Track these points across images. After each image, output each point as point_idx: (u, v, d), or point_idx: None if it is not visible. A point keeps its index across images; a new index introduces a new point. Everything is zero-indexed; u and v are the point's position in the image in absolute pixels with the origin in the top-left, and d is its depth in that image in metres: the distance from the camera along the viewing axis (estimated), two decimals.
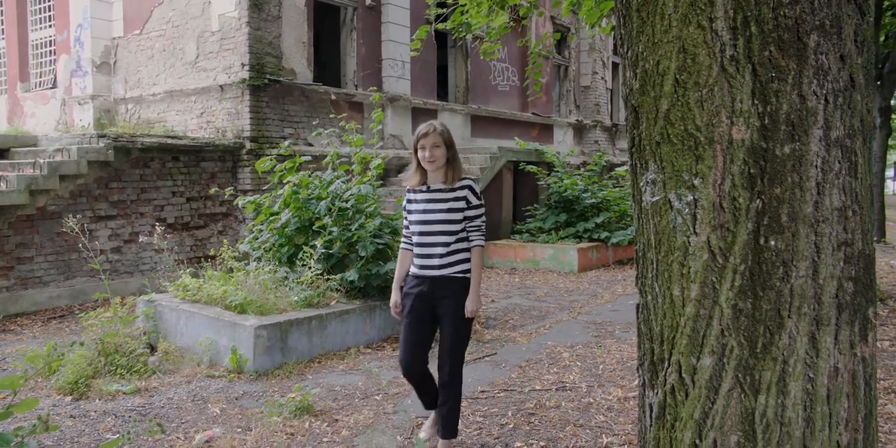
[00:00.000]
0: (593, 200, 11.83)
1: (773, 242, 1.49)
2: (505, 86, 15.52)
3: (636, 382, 5.08)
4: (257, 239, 7.03)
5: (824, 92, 1.49)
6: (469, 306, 3.61)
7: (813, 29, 1.48)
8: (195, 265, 8.62)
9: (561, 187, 11.98)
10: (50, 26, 12.70)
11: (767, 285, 1.50)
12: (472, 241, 3.66)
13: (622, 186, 13.36)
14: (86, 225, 8.16)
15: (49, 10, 12.70)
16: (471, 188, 3.63)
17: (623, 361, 5.68)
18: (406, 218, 3.81)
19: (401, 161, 11.97)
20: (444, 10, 8.54)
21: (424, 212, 3.64)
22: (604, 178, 13.24)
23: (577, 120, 17.86)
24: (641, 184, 1.63)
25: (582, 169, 13.53)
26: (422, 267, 3.66)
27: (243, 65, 9.88)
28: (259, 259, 6.89)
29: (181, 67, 10.88)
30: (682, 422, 1.56)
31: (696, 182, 1.51)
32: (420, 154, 3.59)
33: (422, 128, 3.63)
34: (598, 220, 11.61)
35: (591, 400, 4.71)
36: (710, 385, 1.53)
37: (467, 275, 3.65)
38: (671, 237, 1.57)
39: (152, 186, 9.10)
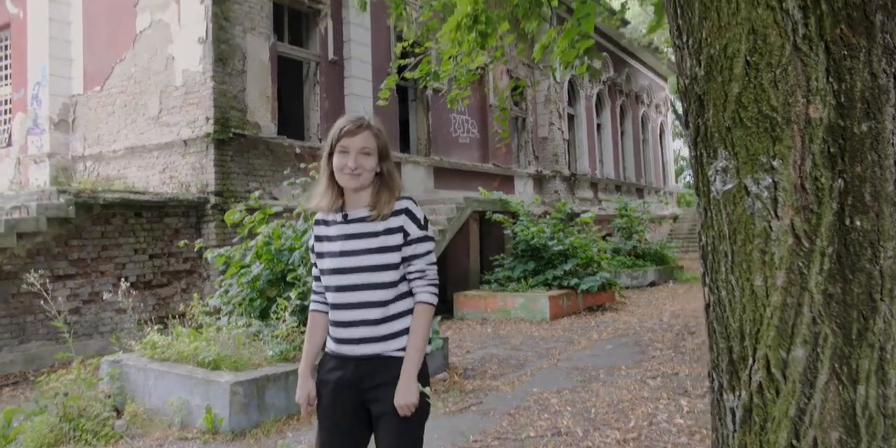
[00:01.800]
0: (560, 247, 11.84)
1: (858, 223, 1.44)
2: (465, 138, 15.70)
3: (631, 424, 4.97)
4: (228, 292, 6.82)
5: (892, 70, 1.49)
6: (400, 398, 2.21)
7: (878, 8, 1.48)
8: (160, 324, 8.30)
9: (528, 235, 11.99)
10: (6, 85, 12.49)
11: (857, 267, 1.45)
12: (416, 294, 2.34)
13: (586, 234, 13.46)
14: (43, 285, 7.83)
15: (6, 69, 12.52)
16: (409, 212, 2.34)
17: (614, 404, 5.57)
18: (313, 263, 2.48)
19: None
20: (410, 60, 8.66)
21: (342, 254, 2.32)
22: (569, 226, 13.32)
23: (537, 170, 18.11)
24: (710, 173, 1.58)
25: (547, 217, 13.61)
26: (341, 340, 2.33)
27: (208, 119, 9.79)
28: (230, 314, 6.66)
29: (143, 123, 10.73)
30: (775, 422, 1.46)
31: (774, 164, 1.47)
32: (337, 161, 2.28)
33: (344, 122, 2.32)
34: (567, 267, 11.61)
35: (590, 443, 4.57)
36: (805, 378, 1.45)
37: None
38: (749, 224, 1.51)
39: (114, 244, 8.82)
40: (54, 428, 4.93)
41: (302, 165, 8.05)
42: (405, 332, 2.31)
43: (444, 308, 11.93)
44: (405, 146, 14.55)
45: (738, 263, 1.53)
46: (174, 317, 8.68)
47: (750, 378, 1.50)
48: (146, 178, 10.59)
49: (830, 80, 1.45)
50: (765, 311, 1.49)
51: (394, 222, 2.32)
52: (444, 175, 14.72)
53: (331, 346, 2.38)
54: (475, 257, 12.69)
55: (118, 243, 8.86)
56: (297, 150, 10.94)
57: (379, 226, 2.31)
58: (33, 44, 11.73)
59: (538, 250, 12.01)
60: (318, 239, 2.43)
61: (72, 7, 11.75)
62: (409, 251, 2.32)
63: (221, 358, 5.55)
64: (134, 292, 8.82)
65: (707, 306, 1.64)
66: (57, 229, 8.21)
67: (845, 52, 1.46)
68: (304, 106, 12.06)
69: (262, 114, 10.50)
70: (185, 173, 10.01)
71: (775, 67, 1.49)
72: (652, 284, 15.59)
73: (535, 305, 10.80)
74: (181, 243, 8.38)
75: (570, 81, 19.72)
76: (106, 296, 7.31)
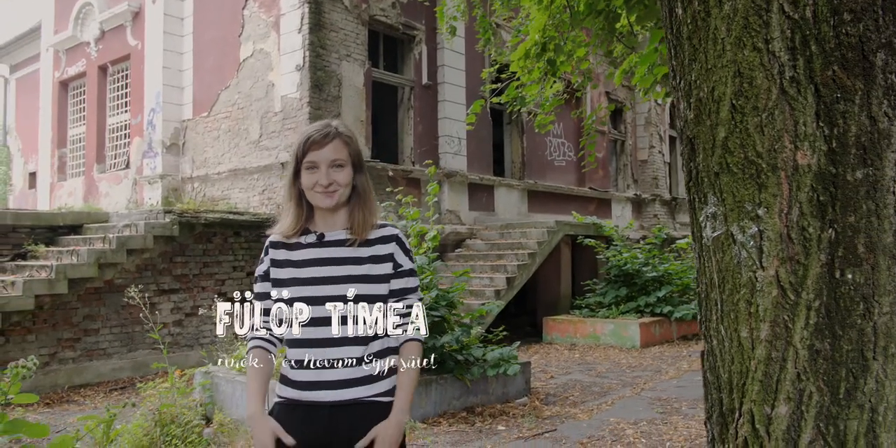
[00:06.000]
0: (654, 274, 11.52)
1: (850, 276, 1.36)
2: (561, 161, 15.58)
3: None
4: None
5: (895, 113, 1.40)
6: (385, 436, 1.90)
7: (879, 47, 1.40)
8: None
9: (620, 261, 11.74)
10: (126, 111, 13.48)
11: (847, 323, 1.36)
12: (404, 331, 2.00)
13: (683, 260, 13.03)
14: (149, 298, 8.34)
15: (126, 97, 13.53)
16: (399, 241, 2.06)
17: (691, 439, 5.35)
18: (263, 292, 2.05)
19: (458, 236, 11.98)
20: (499, 85, 8.71)
21: (315, 281, 1.96)
22: (664, 252, 12.94)
23: (636, 194, 17.72)
24: (701, 219, 1.53)
25: (642, 242, 13.28)
26: (309, 385, 1.94)
27: None
28: None
29: (245, 147, 11.28)
30: None
31: (760, 212, 1.41)
32: (306, 179, 1.97)
33: (309, 132, 1.99)
34: (660, 294, 11.28)
35: None
36: (788, 437, 1.37)
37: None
38: (735, 273, 1.45)
39: (214, 261, 9.28)
40: (149, 432, 5.20)
41: (388, 189, 8.21)
42: (386, 374, 1.97)
43: (534, 332, 11.83)
44: (499, 169, 14.59)
45: (727, 313, 1.46)
46: None
47: (737, 432, 1.43)
48: (247, 199, 11.10)
49: (821, 124, 1.38)
50: (750, 363, 1.41)
51: (382, 249, 2.01)
52: (539, 198, 14.64)
53: (290, 393, 1.97)
54: (566, 282, 12.53)
55: (218, 261, 9.31)
56: (391, 173, 11.18)
57: (363, 251, 1.99)
58: (149, 73, 12.64)
59: (631, 276, 11.73)
60: (277, 263, 2.03)
61: (184, 38, 12.56)
62: (398, 284, 2.02)
63: None
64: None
65: (702, 354, 1.58)
66: (163, 246, 8.73)
67: (838, 95, 1.37)
68: (399, 130, 12.33)
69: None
70: (281, 195, 10.42)
71: (761, 111, 1.42)
72: None
73: (625, 332, 10.54)
74: None
75: (671, 103, 19.24)
76: (201, 311, 7.71)
